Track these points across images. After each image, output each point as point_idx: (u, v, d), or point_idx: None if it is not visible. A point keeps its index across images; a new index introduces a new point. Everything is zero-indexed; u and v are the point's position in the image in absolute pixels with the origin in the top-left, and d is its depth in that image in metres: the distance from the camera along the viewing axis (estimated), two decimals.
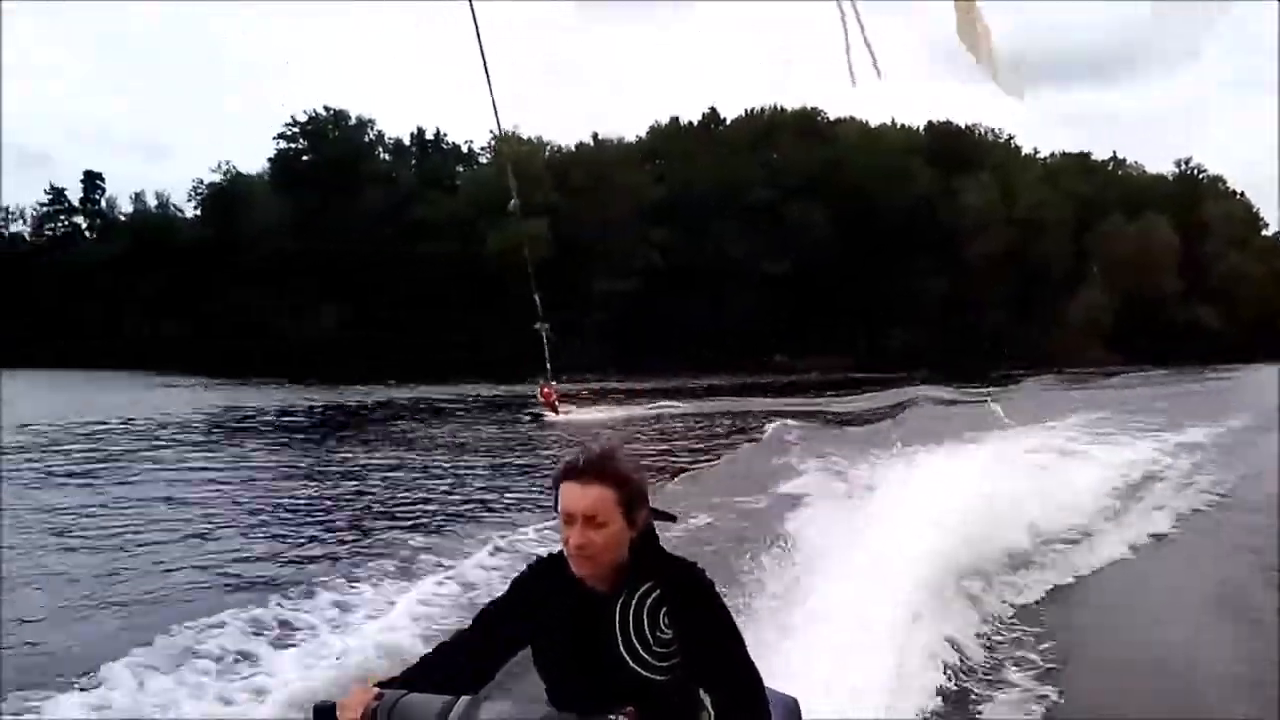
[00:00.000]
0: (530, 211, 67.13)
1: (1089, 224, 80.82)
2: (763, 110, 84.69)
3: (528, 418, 28.43)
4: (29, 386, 41.79)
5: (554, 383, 29.38)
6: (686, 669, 2.25)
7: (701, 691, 2.31)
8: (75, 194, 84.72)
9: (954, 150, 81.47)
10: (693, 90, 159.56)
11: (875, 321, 72.48)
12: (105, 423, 25.12)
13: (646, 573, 2.29)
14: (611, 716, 1.89)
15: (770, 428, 21.50)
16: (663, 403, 32.93)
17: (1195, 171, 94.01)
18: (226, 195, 72.00)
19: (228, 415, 29.47)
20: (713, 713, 2.29)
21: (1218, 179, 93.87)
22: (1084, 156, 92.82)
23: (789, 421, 22.23)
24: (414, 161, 76.01)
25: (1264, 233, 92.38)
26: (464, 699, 2.00)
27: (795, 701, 2.63)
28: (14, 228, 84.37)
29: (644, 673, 2.23)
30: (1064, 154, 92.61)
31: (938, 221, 74.24)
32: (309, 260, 62.93)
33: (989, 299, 73.76)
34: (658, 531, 2.40)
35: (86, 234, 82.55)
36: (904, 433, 18.29)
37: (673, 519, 2.51)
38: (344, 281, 61.95)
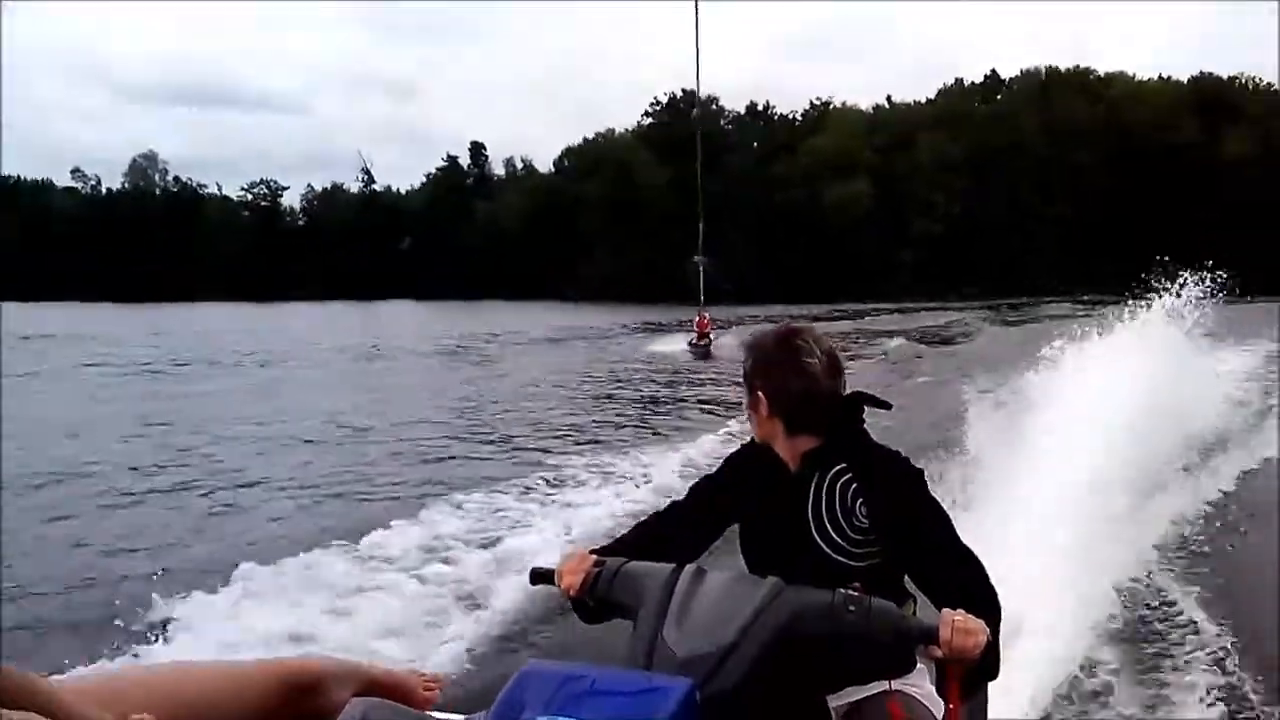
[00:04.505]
0: (855, 170, 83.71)
1: None
2: (1038, 69, 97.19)
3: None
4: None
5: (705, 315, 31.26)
6: (890, 558, 2.17)
7: (909, 583, 2.22)
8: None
9: (1217, 100, 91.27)
10: (972, 52, 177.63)
11: (1144, 258, 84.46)
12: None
13: (840, 453, 2.23)
14: (843, 591, 1.81)
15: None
16: None
17: None
18: (607, 160, 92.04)
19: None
20: (916, 604, 2.21)
21: None
22: None
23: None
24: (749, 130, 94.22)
25: None
26: (689, 566, 1.91)
27: None
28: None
29: (840, 559, 2.17)
30: None
31: (1202, 167, 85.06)
32: (687, 214, 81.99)
33: (1246, 236, 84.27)
34: None
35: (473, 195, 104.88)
36: None
37: (886, 406, 2.36)
38: (715, 229, 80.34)
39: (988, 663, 1.83)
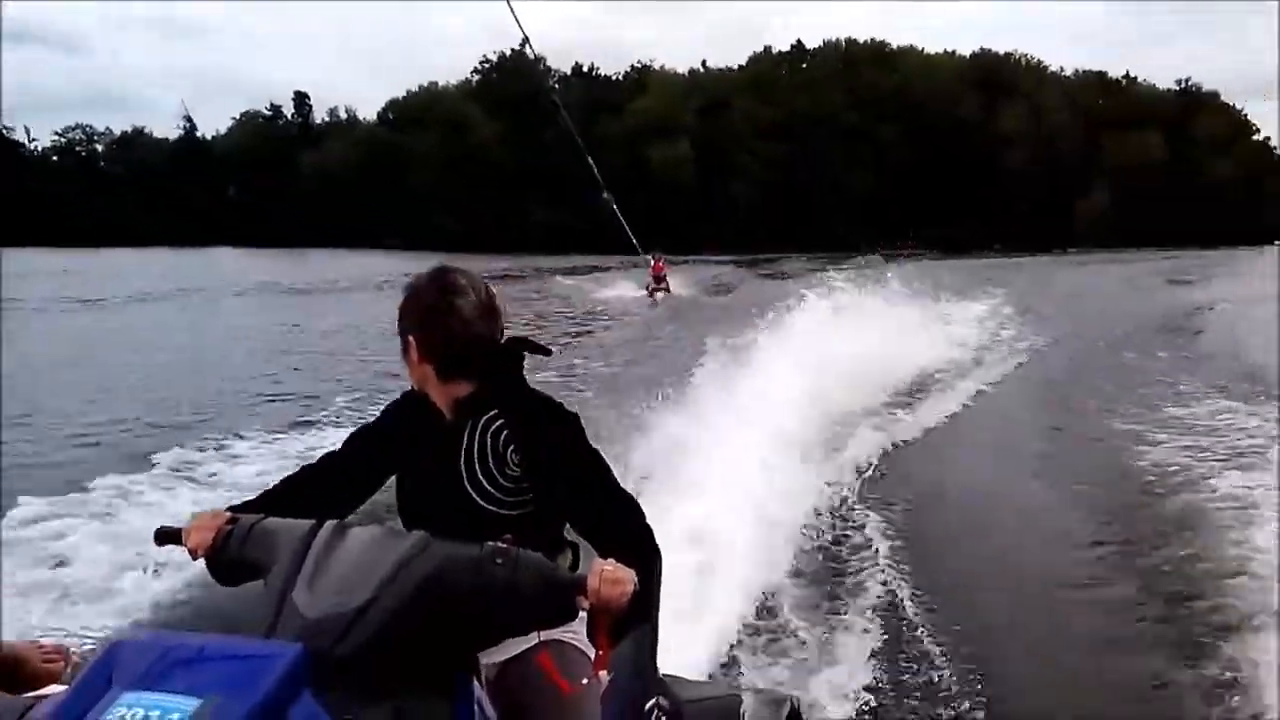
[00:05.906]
0: (677, 132, 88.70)
1: (1100, 133, 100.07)
2: (839, 41, 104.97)
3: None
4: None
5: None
6: (543, 507, 2.13)
7: (568, 531, 2.18)
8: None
9: (994, 75, 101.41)
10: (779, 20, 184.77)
11: (938, 217, 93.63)
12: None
13: (494, 400, 2.16)
14: (491, 543, 1.74)
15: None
16: None
17: (1195, 88, 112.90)
18: (435, 114, 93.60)
19: None
20: (570, 553, 2.20)
21: (1213, 94, 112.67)
22: (1101, 74, 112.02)
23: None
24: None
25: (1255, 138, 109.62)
26: (329, 523, 1.79)
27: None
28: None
29: (493, 509, 2.12)
30: (1085, 71, 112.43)
31: (981, 138, 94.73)
32: (518, 168, 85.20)
33: (1020, 199, 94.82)
34: None
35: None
36: None
37: (547, 353, 2.36)
38: (547, 185, 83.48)
39: (636, 610, 1.79)
